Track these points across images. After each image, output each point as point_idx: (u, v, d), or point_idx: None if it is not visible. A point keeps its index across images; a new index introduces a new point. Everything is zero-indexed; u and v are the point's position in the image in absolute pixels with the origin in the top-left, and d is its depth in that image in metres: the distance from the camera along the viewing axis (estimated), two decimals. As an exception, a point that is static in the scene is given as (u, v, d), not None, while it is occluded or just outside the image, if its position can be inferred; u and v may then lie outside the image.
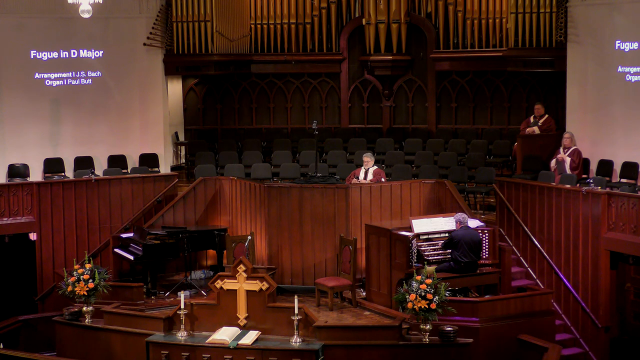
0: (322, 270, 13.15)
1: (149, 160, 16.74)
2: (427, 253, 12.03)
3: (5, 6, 15.70)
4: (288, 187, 13.43)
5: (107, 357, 11.27)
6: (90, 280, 11.40)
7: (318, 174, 13.73)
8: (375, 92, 18.40)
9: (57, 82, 16.32)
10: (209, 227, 14.32)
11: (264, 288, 10.73)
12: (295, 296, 10.58)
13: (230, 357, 10.47)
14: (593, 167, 14.66)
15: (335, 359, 10.45)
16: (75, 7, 12.84)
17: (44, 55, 16.18)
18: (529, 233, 13.40)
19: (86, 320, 11.51)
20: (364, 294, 12.78)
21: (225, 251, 13.58)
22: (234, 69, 17.83)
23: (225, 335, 10.60)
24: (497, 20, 16.95)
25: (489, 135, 17.37)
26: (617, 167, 14.24)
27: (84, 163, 16.19)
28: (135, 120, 16.96)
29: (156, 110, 17.16)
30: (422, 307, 10.29)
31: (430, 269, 11.50)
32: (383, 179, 13.87)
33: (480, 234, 12.07)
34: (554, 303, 12.60)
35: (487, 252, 12.18)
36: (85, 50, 16.49)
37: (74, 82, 16.46)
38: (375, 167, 14.12)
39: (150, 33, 16.90)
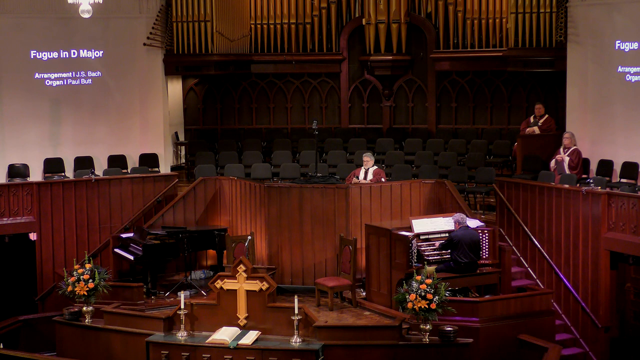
0: (322, 270, 13.14)
1: (149, 160, 16.74)
2: (427, 253, 12.02)
3: (5, 6, 15.70)
4: (288, 187, 13.43)
5: (107, 357, 11.27)
6: (90, 280, 11.41)
7: (318, 174, 13.73)
8: (375, 92, 18.39)
9: (57, 82, 16.31)
10: (209, 227, 14.31)
11: (264, 288, 10.73)
12: (295, 296, 10.58)
13: (230, 357, 10.47)
14: (593, 167, 14.65)
15: (335, 359, 10.46)
16: (75, 7, 12.83)
17: (44, 55, 16.17)
18: (529, 233, 13.40)
19: (86, 320, 11.52)
20: (364, 294, 12.77)
21: (225, 251, 13.58)
22: (234, 69, 17.82)
23: (225, 335, 10.60)
24: (497, 20, 16.95)
25: (489, 135, 17.36)
26: (617, 167, 14.23)
27: (84, 163, 16.19)
28: (135, 120, 16.96)
29: (156, 110, 17.15)
30: (422, 307, 10.29)
31: (430, 269, 11.49)
32: (383, 179, 13.87)
33: (480, 234, 12.06)
34: (554, 303, 12.59)
35: (487, 252, 12.17)
36: (85, 50, 16.49)
37: (74, 82, 16.46)
38: (375, 167, 14.12)
39: (150, 33, 16.90)
